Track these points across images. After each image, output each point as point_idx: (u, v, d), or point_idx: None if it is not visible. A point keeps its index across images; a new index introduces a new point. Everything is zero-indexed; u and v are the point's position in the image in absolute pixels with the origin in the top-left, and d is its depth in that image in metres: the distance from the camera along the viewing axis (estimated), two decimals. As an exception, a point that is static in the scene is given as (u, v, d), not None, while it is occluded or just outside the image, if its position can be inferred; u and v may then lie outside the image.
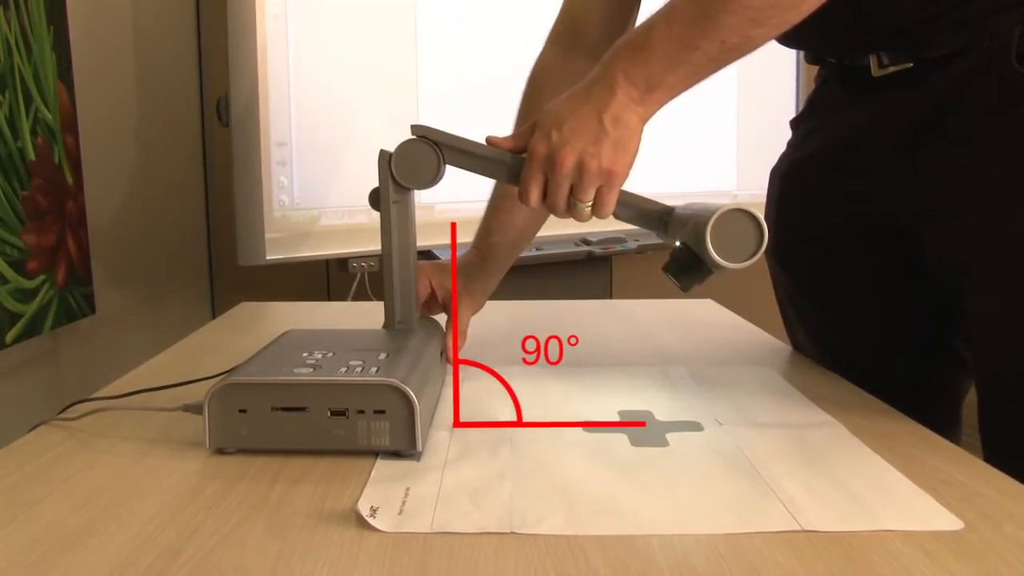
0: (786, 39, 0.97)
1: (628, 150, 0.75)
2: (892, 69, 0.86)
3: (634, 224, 0.83)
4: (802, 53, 1.02)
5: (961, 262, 0.85)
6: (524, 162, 0.78)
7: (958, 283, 0.86)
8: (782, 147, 1.08)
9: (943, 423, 0.92)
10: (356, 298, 2.02)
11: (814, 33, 0.91)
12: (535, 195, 0.78)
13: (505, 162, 0.81)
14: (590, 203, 0.77)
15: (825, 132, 0.98)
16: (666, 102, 0.76)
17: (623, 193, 0.79)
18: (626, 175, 0.77)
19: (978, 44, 0.80)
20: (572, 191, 0.77)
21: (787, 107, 2.56)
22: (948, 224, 0.85)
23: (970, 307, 0.86)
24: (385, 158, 0.84)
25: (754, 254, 0.75)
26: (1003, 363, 0.83)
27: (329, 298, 2.27)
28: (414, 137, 0.83)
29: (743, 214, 0.74)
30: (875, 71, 0.88)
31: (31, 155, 1.42)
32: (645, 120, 0.76)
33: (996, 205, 0.80)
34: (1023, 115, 0.78)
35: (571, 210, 0.78)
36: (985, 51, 0.79)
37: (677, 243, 0.79)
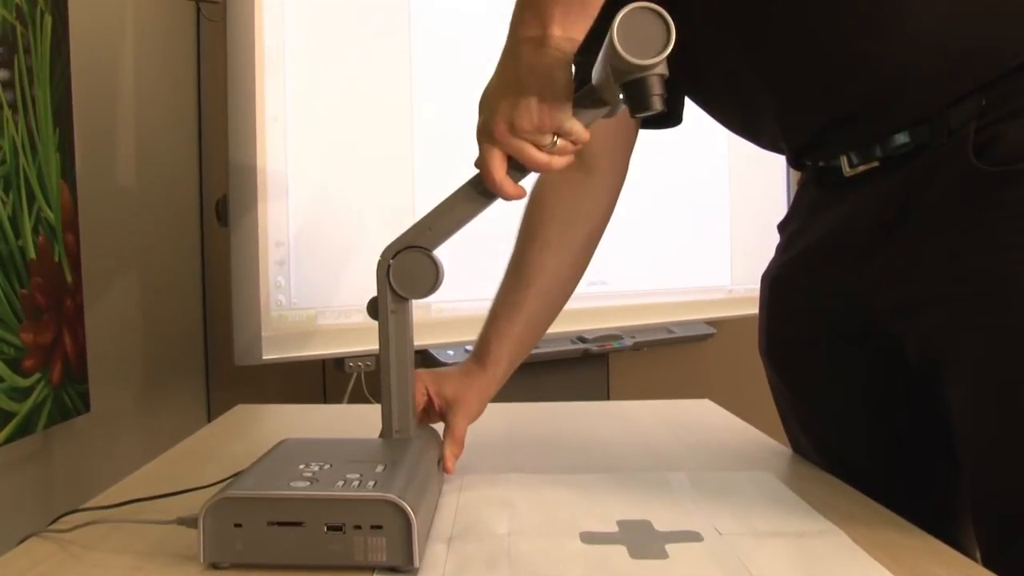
0: (762, 140, 1.00)
1: (547, 76, 0.75)
2: (861, 168, 0.88)
3: (601, 117, 0.81)
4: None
5: (934, 355, 0.84)
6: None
7: (935, 377, 0.85)
8: (775, 243, 1.09)
9: (950, 522, 0.91)
10: (352, 397, 2.01)
11: (784, 132, 0.94)
12: (497, 171, 0.80)
13: (467, 183, 0.83)
14: (555, 140, 0.78)
15: (807, 235, 1.00)
16: (575, 17, 0.75)
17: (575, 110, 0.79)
18: (560, 93, 0.77)
19: (937, 140, 0.81)
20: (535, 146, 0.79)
21: (778, 207, 2.60)
22: (919, 318, 0.85)
23: (948, 401, 0.85)
24: (383, 269, 0.84)
25: (665, 47, 0.68)
26: (976, 453, 0.82)
27: (325, 396, 2.26)
28: (411, 247, 0.84)
29: (646, 10, 0.69)
30: (846, 171, 0.89)
31: (32, 253, 1.44)
32: (557, 44, 0.75)
33: (961, 299, 0.80)
34: (984, 209, 0.78)
35: (548, 156, 0.79)
36: (944, 147, 0.80)
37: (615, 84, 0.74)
